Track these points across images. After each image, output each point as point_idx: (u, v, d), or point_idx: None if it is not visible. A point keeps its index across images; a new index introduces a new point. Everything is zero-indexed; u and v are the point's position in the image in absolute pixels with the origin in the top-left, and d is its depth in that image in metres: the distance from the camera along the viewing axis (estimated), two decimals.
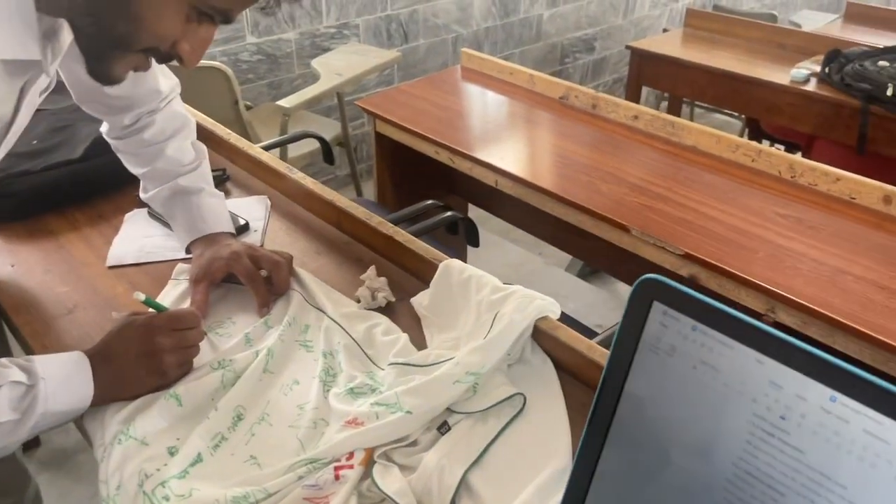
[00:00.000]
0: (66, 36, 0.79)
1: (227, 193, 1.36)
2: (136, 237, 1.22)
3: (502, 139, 1.92)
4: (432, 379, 0.86)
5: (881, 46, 2.56)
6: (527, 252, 3.00)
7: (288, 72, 3.12)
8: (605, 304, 2.73)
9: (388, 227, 1.17)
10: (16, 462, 1.32)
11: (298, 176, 1.32)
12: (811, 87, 2.51)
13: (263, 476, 0.80)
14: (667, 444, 0.57)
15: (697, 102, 3.95)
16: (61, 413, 0.83)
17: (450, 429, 0.84)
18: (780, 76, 2.58)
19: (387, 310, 1.06)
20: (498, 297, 0.96)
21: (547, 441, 0.84)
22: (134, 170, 1.18)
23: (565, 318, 0.99)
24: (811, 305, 1.29)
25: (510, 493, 0.77)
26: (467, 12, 3.63)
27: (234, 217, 1.21)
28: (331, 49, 3.11)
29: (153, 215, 1.25)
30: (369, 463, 0.81)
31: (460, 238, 1.69)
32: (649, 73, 3.02)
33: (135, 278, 1.13)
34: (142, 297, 0.94)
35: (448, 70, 2.44)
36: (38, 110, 0.90)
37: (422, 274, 1.10)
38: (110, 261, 1.16)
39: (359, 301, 1.06)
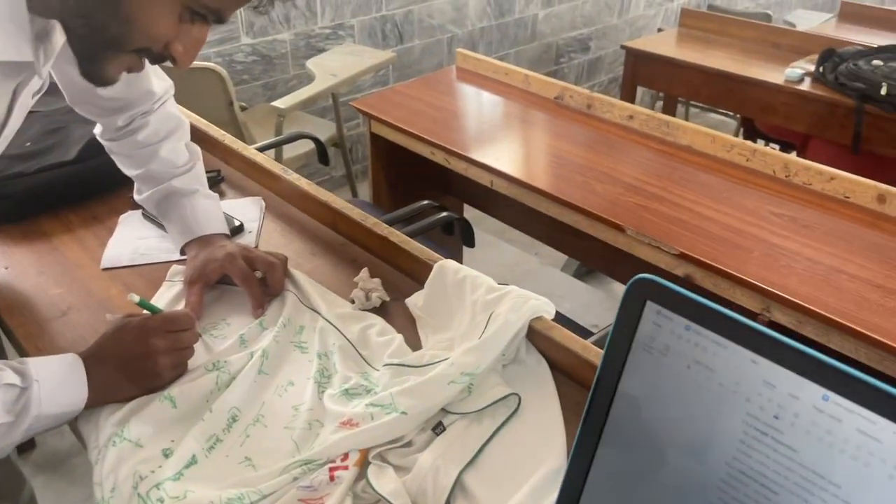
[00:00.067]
0: (59, 37, 0.79)
1: (222, 195, 1.35)
2: (131, 239, 1.22)
3: (497, 139, 1.92)
4: (427, 379, 0.86)
5: (875, 46, 2.56)
6: (522, 252, 3.00)
7: (283, 72, 3.12)
8: (600, 303, 2.73)
9: (383, 228, 1.17)
10: (10, 465, 1.32)
11: (293, 177, 1.32)
12: (805, 86, 2.51)
13: (258, 477, 0.80)
14: (661, 444, 0.58)
15: (692, 102, 3.95)
16: (55, 415, 0.83)
17: (445, 429, 0.84)
18: (775, 76, 2.58)
19: (381, 310, 1.06)
20: (493, 297, 0.96)
21: (542, 441, 0.84)
22: (128, 171, 1.18)
23: (560, 318, 0.99)
24: (806, 304, 1.29)
25: (505, 493, 0.77)
26: (462, 12, 3.63)
27: (228, 218, 1.21)
28: (326, 50, 3.11)
29: (147, 217, 1.25)
30: (364, 464, 0.81)
31: (456, 238, 1.69)
32: (644, 72, 3.02)
33: (129, 280, 1.13)
34: (136, 298, 0.93)
35: (443, 70, 2.44)
36: (30, 112, 0.90)
37: (417, 274, 1.10)
38: (104, 263, 1.16)
39: (353, 302, 1.05)
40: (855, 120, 2.36)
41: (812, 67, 2.54)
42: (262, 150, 1.57)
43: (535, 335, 0.95)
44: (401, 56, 3.44)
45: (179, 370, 0.92)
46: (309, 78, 2.71)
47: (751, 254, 1.42)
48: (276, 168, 1.35)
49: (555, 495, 0.65)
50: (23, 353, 1.00)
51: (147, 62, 0.77)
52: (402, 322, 1.04)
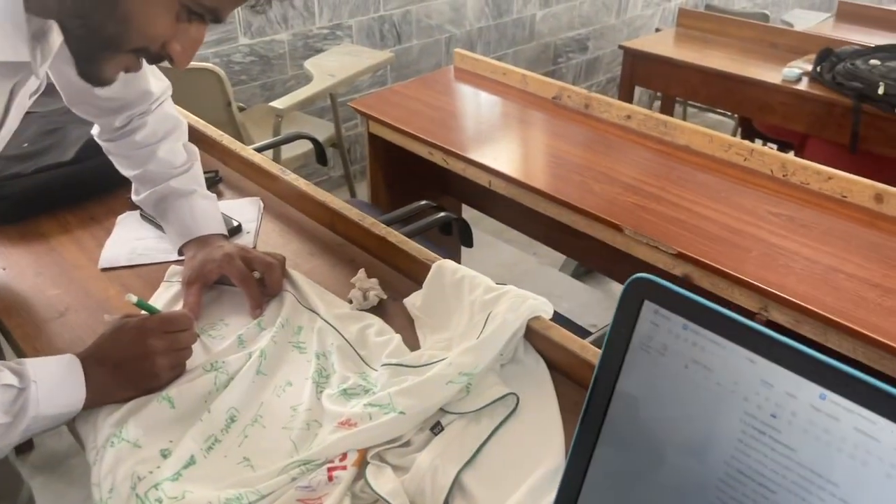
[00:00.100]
0: (56, 38, 0.79)
1: (220, 195, 1.35)
2: (129, 239, 1.22)
3: (495, 139, 1.92)
4: (425, 379, 0.86)
5: (872, 45, 2.56)
6: (520, 252, 3.00)
7: (281, 73, 3.12)
8: (599, 303, 2.73)
9: (381, 228, 1.17)
10: (9, 466, 1.32)
11: (291, 177, 1.32)
12: (803, 86, 2.52)
13: (257, 478, 0.80)
14: (659, 444, 0.58)
15: (690, 102, 3.95)
16: (53, 416, 0.83)
17: (443, 429, 0.84)
18: (773, 75, 2.58)
19: (380, 310, 1.06)
20: (491, 297, 0.96)
21: (540, 441, 0.84)
22: (125, 172, 1.18)
23: (558, 318, 0.99)
24: (804, 304, 1.29)
25: (503, 492, 0.77)
26: (460, 13, 3.63)
27: (226, 219, 1.21)
28: (324, 50, 3.11)
29: (145, 217, 1.25)
30: (362, 464, 0.81)
31: (454, 238, 1.69)
32: (642, 72, 3.02)
33: (127, 281, 1.13)
34: (134, 299, 0.93)
35: (441, 70, 2.44)
36: (28, 113, 0.90)
37: (415, 275, 1.10)
38: (102, 263, 1.16)
39: (351, 303, 1.05)
40: (852, 119, 2.36)
41: (809, 67, 2.55)
42: (260, 150, 1.57)
43: (533, 335, 0.95)
44: (399, 56, 3.44)
45: (177, 371, 0.92)
46: (307, 78, 2.71)
47: (749, 253, 1.42)
48: (275, 168, 1.35)
49: (553, 495, 0.66)
50: (20, 353, 1.00)
51: (145, 62, 0.77)
52: (400, 322, 1.04)
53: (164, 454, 0.82)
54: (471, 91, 2.23)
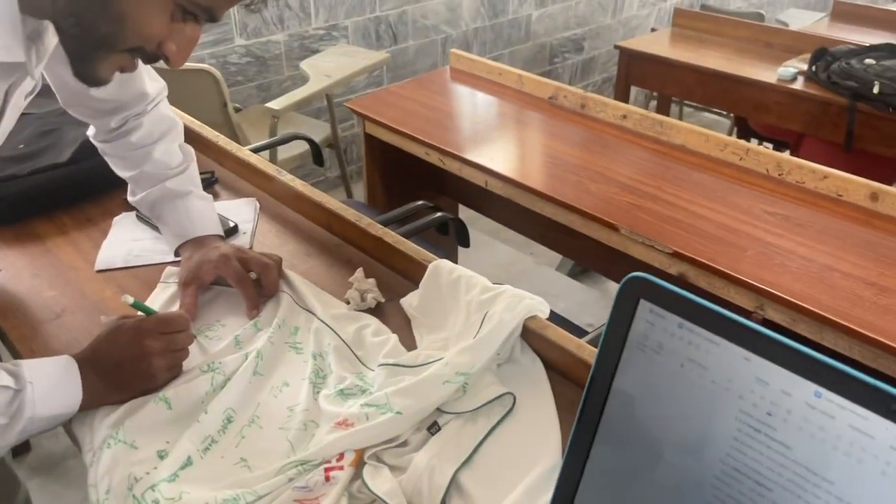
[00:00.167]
0: (51, 39, 0.79)
1: (216, 196, 1.35)
2: (125, 241, 1.21)
3: (492, 140, 1.93)
4: (422, 379, 0.86)
5: (867, 44, 2.57)
6: (517, 252, 3.00)
7: (277, 74, 3.12)
8: (596, 303, 2.73)
9: (377, 229, 1.17)
10: (5, 467, 1.32)
11: (287, 178, 1.32)
12: (798, 85, 2.52)
13: (254, 478, 0.80)
14: (655, 442, 0.58)
15: (686, 101, 3.96)
16: (49, 417, 0.83)
17: (440, 429, 0.84)
18: (768, 75, 2.59)
19: (376, 311, 1.06)
20: (487, 296, 0.96)
21: (537, 440, 0.84)
22: (121, 173, 1.18)
23: (555, 318, 0.99)
24: (800, 302, 1.29)
25: (500, 492, 0.77)
26: (456, 13, 3.64)
27: (222, 219, 1.21)
28: (320, 51, 3.11)
29: (141, 218, 1.25)
30: (359, 464, 0.81)
31: (451, 238, 1.69)
32: (638, 72, 3.03)
33: (123, 282, 1.13)
34: (130, 300, 0.93)
35: (437, 71, 2.44)
36: (23, 114, 0.90)
37: (411, 275, 1.10)
38: (99, 264, 1.16)
39: (348, 303, 1.05)
40: (847, 118, 2.37)
41: (805, 66, 2.55)
42: (256, 151, 1.57)
43: (529, 334, 0.95)
44: (395, 57, 3.44)
45: (174, 372, 0.92)
46: (303, 79, 2.71)
47: (744, 252, 1.43)
48: (271, 169, 1.35)
49: (550, 494, 0.66)
50: (17, 355, 1.00)
51: (140, 63, 0.77)
52: (396, 322, 1.04)
53: (161, 455, 0.82)
54: (467, 91, 2.23)
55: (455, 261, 1.08)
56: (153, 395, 0.88)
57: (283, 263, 1.11)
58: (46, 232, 1.24)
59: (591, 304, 2.72)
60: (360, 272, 1.09)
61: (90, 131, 1.18)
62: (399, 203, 1.70)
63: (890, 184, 1.54)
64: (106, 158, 1.19)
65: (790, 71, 2.54)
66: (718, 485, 0.55)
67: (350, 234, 1.21)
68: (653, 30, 4.06)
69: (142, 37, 0.72)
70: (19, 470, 1.44)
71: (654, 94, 3.81)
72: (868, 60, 2.45)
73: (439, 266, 1.04)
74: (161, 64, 0.78)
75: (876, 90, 2.30)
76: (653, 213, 1.55)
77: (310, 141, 2.10)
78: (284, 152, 2.59)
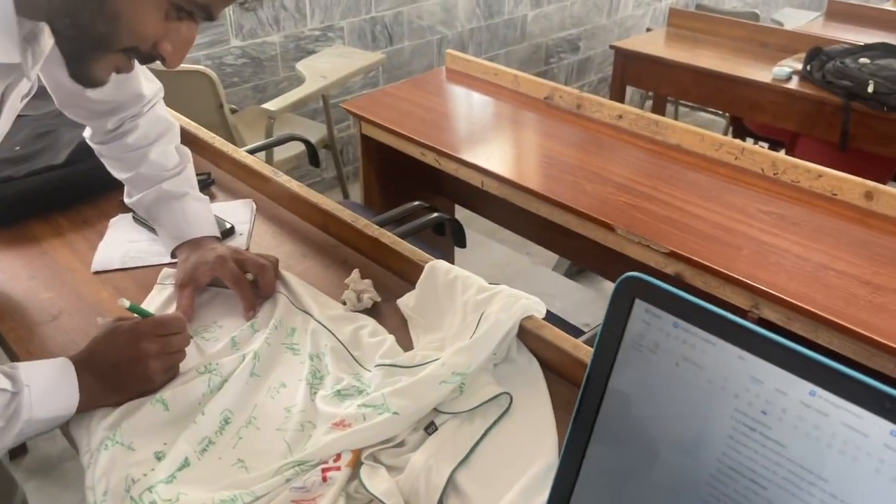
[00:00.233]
0: (47, 40, 0.79)
1: (213, 197, 1.35)
2: (121, 242, 1.21)
3: (488, 140, 1.93)
4: (418, 380, 0.86)
5: (862, 44, 2.58)
6: (514, 252, 3.00)
7: (273, 75, 3.12)
8: (592, 302, 2.74)
9: (373, 230, 1.17)
10: (2, 470, 1.31)
11: (284, 179, 1.32)
12: (793, 84, 2.53)
13: (251, 479, 0.80)
14: (651, 441, 0.58)
15: (682, 101, 3.97)
16: (46, 420, 0.83)
17: (437, 429, 0.85)
18: (763, 74, 2.60)
19: (373, 311, 1.06)
20: (483, 297, 0.97)
21: (533, 439, 0.84)
22: (118, 175, 1.18)
23: (551, 317, 0.99)
24: (795, 301, 1.30)
25: (497, 491, 0.77)
26: (452, 14, 3.64)
27: (219, 221, 1.21)
28: (315, 52, 3.11)
29: (138, 220, 1.25)
30: (357, 464, 0.81)
31: (447, 239, 1.69)
32: (633, 72, 3.03)
33: (120, 284, 1.13)
34: (126, 303, 0.93)
35: (433, 71, 2.44)
36: (19, 116, 0.90)
37: (408, 275, 1.11)
38: (95, 266, 1.16)
39: (345, 304, 1.06)
40: (842, 118, 2.37)
41: (800, 66, 2.56)
42: (252, 152, 1.57)
43: (526, 334, 0.96)
44: (390, 57, 3.44)
45: (171, 374, 0.92)
46: (299, 80, 2.71)
47: (740, 251, 1.43)
48: (267, 170, 1.35)
49: (546, 493, 0.66)
50: (13, 357, 1.00)
51: (137, 63, 0.77)
52: (393, 323, 1.04)
53: (159, 457, 0.82)
54: (463, 92, 2.23)
55: (451, 261, 1.08)
56: (150, 396, 0.88)
57: (280, 264, 1.11)
58: (43, 234, 1.24)
59: (588, 303, 2.72)
60: (356, 273, 1.09)
61: (87, 133, 1.18)
62: (395, 204, 1.70)
63: (885, 183, 1.55)
64: (102, 160, 1.19)
65: (785, 70, 2.55)
66: (714, 483, 0.55)
67: (346, 234, 1.21)
68: (648, 30, 4.07)
69: (136, 36, 0.72)
70: (16, 472, 1.44)
71: (650, 93, 3.82)
72: (862, 60, 2.45)
73: (436, 266, 1.05)
74: (157, 65, 0.78)
75: (870, 89, 2.30)
76: (649, 213, 1.56)
77: (306, 142, 2.10)
78: (280, 153, 2.59)
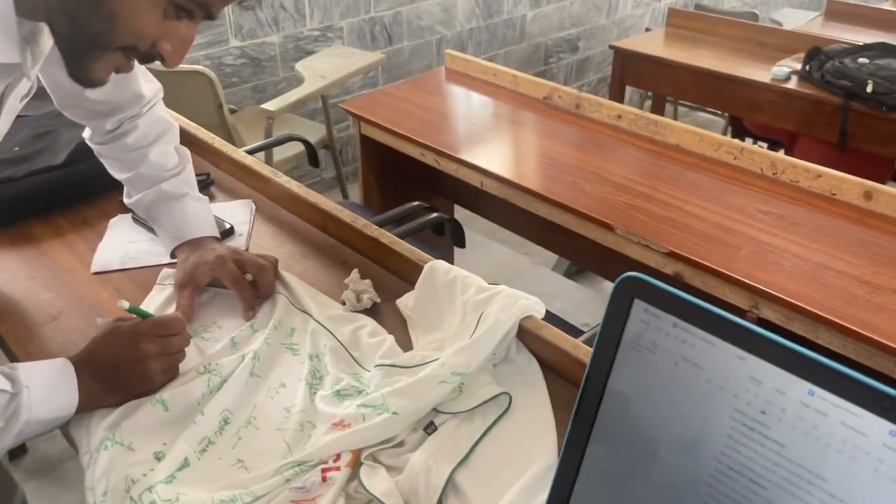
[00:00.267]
0: (47, 41, 0.79)
1: (212, 198, 1.35)
2: (121, 243, 1.21)
3: (487, 140, 1.93)
4: (418, 380, 0.86)
5: (861, 44, 2.58)
6: (513, 252, 3.00)
7: (272, 75, 3.12)
8: (592, 302, 2.74)
9: (373, 230, 1.17)
10: (2, 470, 1.32)
11: (283, 179, 1.32)
12: (792, 84, 2.53)
13: (251, 479, 0.80)
14: (650, 440, 0.58)
15: (681, 101, 3.97)
16: (45, 421, 0.83)
17: (436, 429, 0.85)
18: (762, 74, 2.60)
19: (372, 311, 1.06)
20: (483, 297, 0.97)
21: (533, 439, 0.84)
22: (117, 175, 1.18)
23: (550, 317, 0.99)
24: (794, 301, 1.30)
25: (497, 491, 0.77)
26: (451, 14, 3.64)
27: (218, 221, 1.21)
28: (315, 52, 3.11)
29: (137, 220, 1.25)
30: (356, 464, 0.81)
31: (446, 239, 1.69)
32: (632, 72, 3.03)
33: (119, 284, 1.13)
34: (126, 305, 0.93)
35: (432, 72, 2.44)
36: (19, 117, 0.90)
37: (407, 275, 1.11)
38: (95, 267, 1.16)
39: (344, 304, 1.06)
40: (841, 118, 2.38)
41: (798, 66, 2.56)
42: (251, 152, 1.57)
43: (525, 334, 0.96)
44: (390, 58, 3.44)
45: (170, 374, 0.92)
46: (298, 80, 2.71)
47: (739, 251, 1.43)
48: (266, 170, 1.35)
49: (546, 493, 0.66)
50: (13, 357, 1.00)
51: (136, 63, 0.77)
52: (393, 323, 1.04)
53: (158, 457, 0.82)
54: (462, 92, 2.23)
55: (451, 261, 1.08)
56: (150, 397, 0.88)
57: (279, 265, 1.11)
58: (42, 234, 1.24)
59: (587, 303, 2.72)
60: (355, 273, 1.09)
61: (86, 133, 1.18)
62: (395, 204, 1.71)
63: (884, 183, 1.55)
64: (102, 160, 1.19)
65: (784, 70, 2.55)
66: (713, 483, 0.55)
67: (346, 235, 1.21)
68: (647, 30, 4.07)
69: (134, 35, 0.71)
70: (16, 472, 1.44)
71: (649, 93, 3.82)
72: (861, 59, 2.45)
73: (435, 267, 1.05)
74: (157, 65, 0.78)
75: (869, 89, 2.31)
76: (648, 213, 1.56)
77: (305, 142, 2.10)
78: (280, 153, 2.59)
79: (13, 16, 0.69)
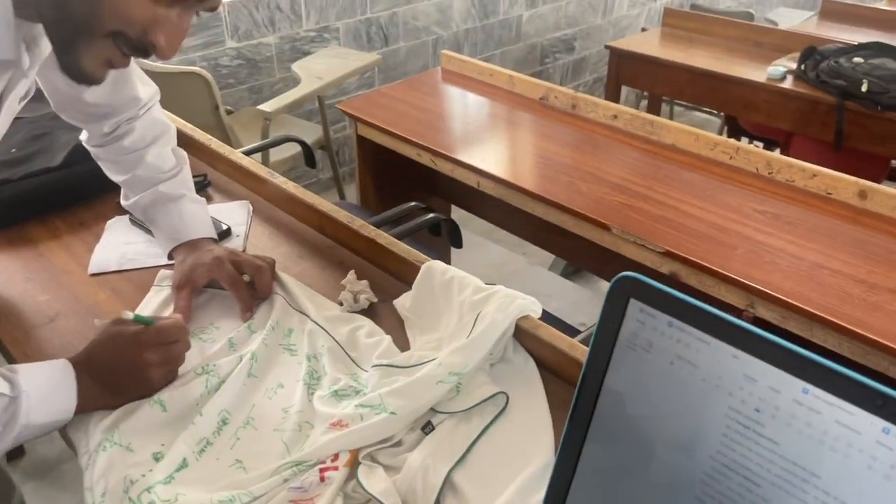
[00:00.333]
0: (47, 43, 0.79)
1: (209, 199, 1.35)
2: (118, 244, 1.22)
3: (483, 140, 1.93)
4: (415, 380, 0.86)
5: (856, 43, 2.59)
6: (510, 252, 3.01)
7: (268, 76, 3.12)
8: (588, 302, 2.74)
9: (370, 230, 1.18)
10: (0, 472, 1.32)
11: (280, 180, 1.32)
12: (787, 84, 2.54)
13: (249, 480, 0.80)
14: (646, 439, 0.58)
15: (677, 101, 3.97)
16: (44, 424, 0.83)
17: (433, 429, 0.85)
18: (757, 74, 2.61)
19: (370, 312, 1.06)
20: (480, 297, 0.97)
21: (530, 439, 0.84)
22: (114, 177, 1.18)
23: (547, 317, 1.00)
24: (790, 300, 1.30)
25: (494, 491, 0.78)
26: (447, 14, 3.64)
27: (215, 222, 1.21)
28: (311, 52, 3.11)
29: (135, 222, 1.25)
30: (354, 464, 0.82)
31: (443, 239, 1.69)
32: (628, 72, 3.04)
33: (117, 286, 1.13)
34: (130, 315, 0.92)
35: (428, 72, 2.44)
36: (16, 119, 0.90)
37: (404, 276, 1.11)
38: (92, 268, 1.16)
39: (341, 305, 1.06)
40: (836, 117, 2.38)
41: (794, 65, 2.57)
42: (248, 153, 1.57)
43: (522, 334, 0.96)
44: (386, 58, 3.44)
45: (170, 378, 0.92)
46: (294, 81, 2.71)
47: (735, 251, 1.44)
48: (263, 171, 1.36)
49: (543, 492, 0.66)
50: (10, 359, 1.00)
51: (131, 58, 0.75)
52: (390, 323, 1.04)
53: (157, 457, 0.82)
54: (458, 92, 2.24)
55: (448, 261, 1.08)
56: (148, 397, 0.88)
57: (277, 266, 1.12)
58: (39, 236, 1.24)
59: (584, 303, 2.73)
60: (352, 274, 1.10)
61: (83, 136, 1.18)
62: (391, 204, 1.71)
63: (879, 182, 1.56)
64: (99, 162, 1.19)
65: (779, 70, 2.56)
66: (708, 481, 0.55)
67: (343, 235, 1.22)
68: (643, 30, 4.08)
69: (121, 18, 0.69)
70: (14, 474, 1.44)
71: (645, 93, 3.83)
72: (856, 59, 2.46)
73: (432, 267, 1.05)
74: (153, 65, 0.78)
75: (864, 88, 2.31)
76: (644, 213, 1.56)
77: (302, 143, 2.10)
78: (276, 154, 2.59)
79: (11, 13, 0.69)
